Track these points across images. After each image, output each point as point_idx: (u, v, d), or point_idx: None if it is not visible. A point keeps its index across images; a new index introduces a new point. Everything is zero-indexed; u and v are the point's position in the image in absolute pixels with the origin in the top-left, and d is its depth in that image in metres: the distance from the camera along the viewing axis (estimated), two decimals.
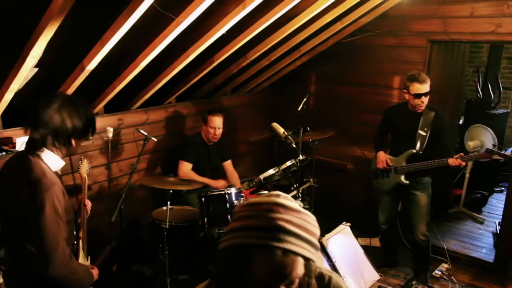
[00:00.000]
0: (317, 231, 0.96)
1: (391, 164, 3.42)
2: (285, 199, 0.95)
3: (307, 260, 0.92)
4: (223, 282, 0.96)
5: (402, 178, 3.37)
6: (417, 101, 3.18)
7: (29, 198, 1.60)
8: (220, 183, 3.69)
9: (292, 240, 0.89)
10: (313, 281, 0.97)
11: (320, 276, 1.10)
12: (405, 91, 3.24)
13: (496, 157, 3.06)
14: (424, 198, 3.36)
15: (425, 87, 3.14)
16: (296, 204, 0.95)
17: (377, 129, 3.66)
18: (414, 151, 3.29)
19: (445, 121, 3.32)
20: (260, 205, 0.93)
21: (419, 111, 3.26)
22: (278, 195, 0.96)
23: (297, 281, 0.92)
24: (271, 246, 0.88)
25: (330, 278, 1.13)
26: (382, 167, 3.44)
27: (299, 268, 0.91)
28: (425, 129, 3.26)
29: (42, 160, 1.70)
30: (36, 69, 2.53)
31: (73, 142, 1.77)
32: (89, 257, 2.09)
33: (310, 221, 0.95)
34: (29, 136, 1.74)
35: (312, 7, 2.97)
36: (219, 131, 3.72)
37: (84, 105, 1.81)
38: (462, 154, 3.12)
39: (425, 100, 3.19)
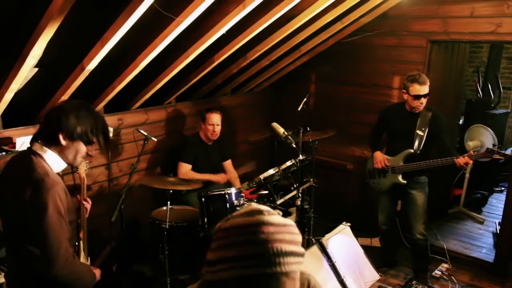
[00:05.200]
0: (301, 238, 0.96)
1: (388, 164, 3.42)
2: (269, 214, 0.92)
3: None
4: None
5: (400, 177, 3.36)
6: (416, 102, 3.19)
7: (32, 198, 1.59)
8: (220, 177, 3.74)
9: (290, 261, 0.88)
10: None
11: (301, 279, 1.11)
12: (404, 91, 3.25)
13: (497, 156, 3.08)
14: (421, 198, 3.37)
15: (425, 89, 3.14)
16: (280, 217, 0.93)
17: (372, 129, 3.66)
18: (412, 150, 3.29)
19: (443, 121, 3.33)
20: (247, 228, 0.89)
21: (417, 111, 3.26)
22: (260, 211, 0.92)
23: None
24: (275, 273, 0.87)
25: (308, 281, 1.15)
26: (380, 167, 3.44)
27: (298, 283, 0.92)
28: (423, 128, 3.26)
29: (45, 161, 1.70)
30: (36, 69, 2.53)
31: (61, 139, 1.70)
32: (89, 258, 2.09)
33: (296, 232, 0.93)
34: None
35: (312, 7, 2.97)
36: (218, 128, 3.73)
37: (82, 105, 1.77)
38: (472, 152, 3.15)
39: (424, 101, 3.19)
